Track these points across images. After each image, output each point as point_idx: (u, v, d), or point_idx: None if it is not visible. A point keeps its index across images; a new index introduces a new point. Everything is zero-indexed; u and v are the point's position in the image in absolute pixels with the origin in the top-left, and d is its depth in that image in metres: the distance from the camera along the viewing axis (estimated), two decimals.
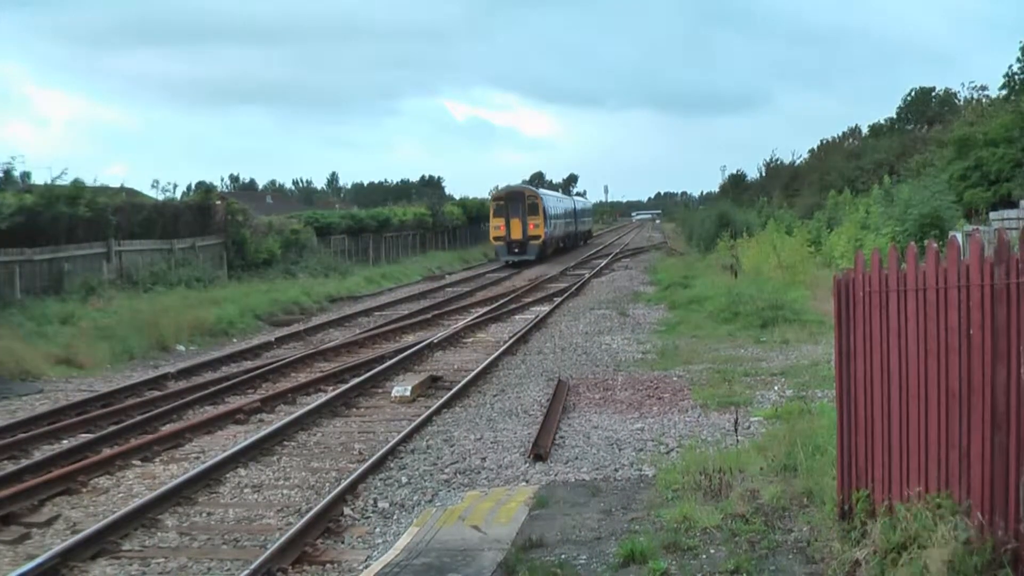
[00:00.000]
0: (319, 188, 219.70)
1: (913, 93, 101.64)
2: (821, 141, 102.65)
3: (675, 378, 19.50)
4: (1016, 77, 57.21)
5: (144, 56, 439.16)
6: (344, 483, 12.52)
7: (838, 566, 7.97)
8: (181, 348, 27.47)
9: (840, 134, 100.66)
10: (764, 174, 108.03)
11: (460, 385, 19.18)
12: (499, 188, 74.99)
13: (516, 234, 64.88)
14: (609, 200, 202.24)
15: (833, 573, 7.94)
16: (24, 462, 14.27)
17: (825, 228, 50.19)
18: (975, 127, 49.77)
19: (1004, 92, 50.87)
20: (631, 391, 18.40)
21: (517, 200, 66.01)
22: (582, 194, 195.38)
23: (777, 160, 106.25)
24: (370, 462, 13.60)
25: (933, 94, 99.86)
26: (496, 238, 66.62)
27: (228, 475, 13.59)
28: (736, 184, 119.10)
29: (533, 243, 65.11)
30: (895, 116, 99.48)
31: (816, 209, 61.47)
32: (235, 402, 18.64)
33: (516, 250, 64.79)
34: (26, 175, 43.45)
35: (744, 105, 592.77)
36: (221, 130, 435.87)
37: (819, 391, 16.75)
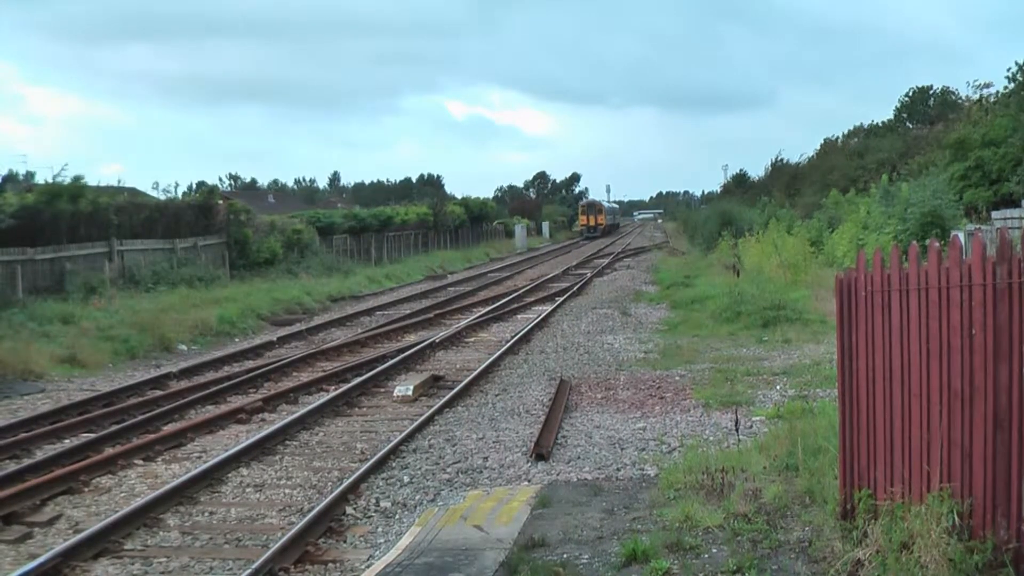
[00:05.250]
0: (321, 187, 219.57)
1: (911, 93, 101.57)
2: (824, 140, 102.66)
3: (677, 377, 19.51)
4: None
5: (139, 53, 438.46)
6: (346, 482, 12.51)
7: (840, 566, 7.96)
8: (183, 347, 27.48)
9: (844, 133, 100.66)
10: (769, 173, 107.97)
11: (462, 384, 19.18)
12: (584, 202, 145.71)
13: (592, 224, 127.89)
14: (611, 199, 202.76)
15: (835, 573, 7.94)
16: (26, 461, 14.27)
17: (826, 228, 50.17)
18: (977, 127, 49.72)
19: (1014, 83, 50.50)
20: (633, 390, 18.41)
21: (593, 206, 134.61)
22: (585, 192, 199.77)
23: (783, 160, 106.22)
24: (372, 461, 13.60)
25: (931, 92, 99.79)
26: (583, 225, 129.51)
27: (230, 474, 13.59)
28: (738, 183, 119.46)
29: (599, 227, 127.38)
30: (893, 117, 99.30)
31: (816, 208, 61.46)
32: (237, 401, 18.64)
33: (591, 232, 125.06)
34: (30, 175, 43.56)
35: (747, 103, 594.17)
36: (219, 128, 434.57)
37: (821, 390, 16.75)
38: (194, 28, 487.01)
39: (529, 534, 9.95)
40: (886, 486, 8.20)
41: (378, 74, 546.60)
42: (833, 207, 56.68)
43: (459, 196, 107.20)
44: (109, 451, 14.75)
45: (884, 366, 8.21)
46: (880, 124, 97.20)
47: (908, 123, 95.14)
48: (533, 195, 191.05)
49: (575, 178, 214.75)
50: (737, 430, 13.27)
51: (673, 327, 28.01)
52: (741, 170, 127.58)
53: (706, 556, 8.83)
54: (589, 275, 49.76)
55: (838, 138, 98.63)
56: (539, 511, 10.92)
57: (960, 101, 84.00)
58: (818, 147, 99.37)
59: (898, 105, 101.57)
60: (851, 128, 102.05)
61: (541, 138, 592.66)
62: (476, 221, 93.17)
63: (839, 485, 8.93)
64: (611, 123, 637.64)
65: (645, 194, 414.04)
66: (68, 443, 15.58)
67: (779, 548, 8.85)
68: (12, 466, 14.08)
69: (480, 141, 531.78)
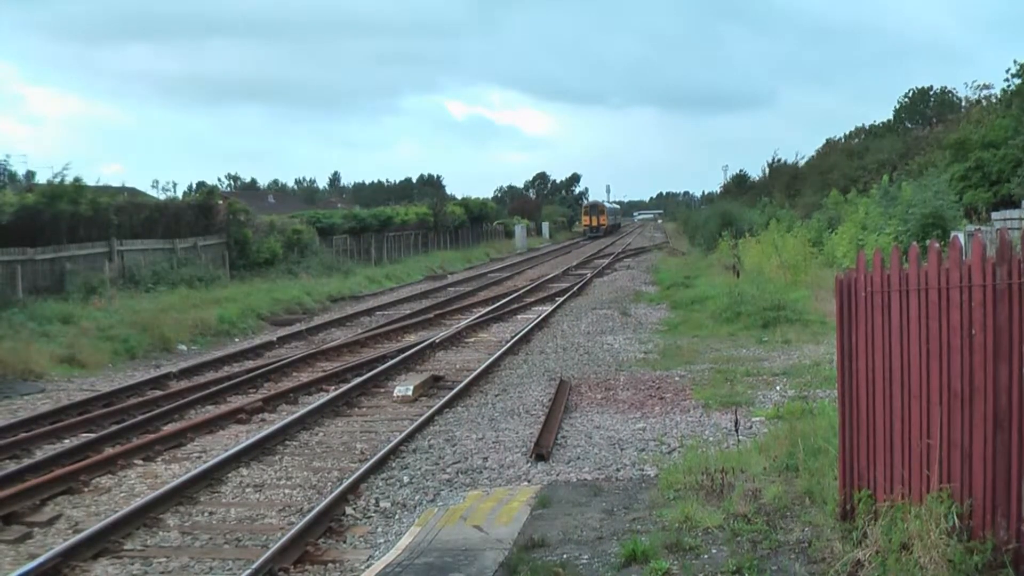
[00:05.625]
0: (321, 188, 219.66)
1: (911, 93, 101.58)
2: (827, 140, 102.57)
3: (677, 378, 19.50)
4: None
5: (138, 53, 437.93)
6: (346, 483, 12.50)
7: (840, 567, 7.96)
8: (183, 348, 27.48)
9: (846, 134, 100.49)
10: (768, 174, 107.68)
11: (462, 385, 19.18)
12: (587, 203, 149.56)
13: (594, 224, 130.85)
14: (612, 200, 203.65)
15: (835, 574, 7.94)
16: (26, 461, 14.27)
17: (826, 228, 50.16)
18: (979, 127, 49.74)
19: (1020, 79, 50.21)
20: (633, 391, 18.40)
21: (595, 208, 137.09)
22: (585, 193, 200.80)
23: (780, 160, 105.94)
24: (372, 462, 13.59)
25: (931, 93, 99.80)
26: (585, 226, 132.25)
27: (230, 474, 13.59)
28: (738, 184, 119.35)
29: (601, 227, 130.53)
30: (892, 118, 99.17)
31: (816, 209, 61.45)
32: (237, 401, 18.64)
33: (593, 232, 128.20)
34: (30, 174, 43.55)
35: (747, 103, 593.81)
36: (218, 128, 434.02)
37: (821, 391, 16.75)
38: (194, 28, 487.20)
39: (529, 534, 9.95)
40: (886, 487, 8.20)
41: (378, 74, 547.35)
42: (833, 207, 56.67)
43: (459, 196, 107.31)
44: (109, 451, 14.75)
45: (884, 366, 8.21)
46: (880, 124, 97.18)
47: (907, 124, 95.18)
48: (533, 195, 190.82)
49: (575, 178, 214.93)
50: (737, 431, 13.28)
51: (673, 327, 28.01)
52: (741, 170, 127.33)
53: (706, 557, 8.83)
54: (589, 275, 49.77)
55: (841, 139, 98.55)
56: (539, 511, 10.92)
57: (958, 101, 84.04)
58: (820, 147, 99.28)
59: (897, 106, 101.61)
60: (853, 128, 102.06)
61: (541, 138, 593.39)
62: (476, 221, 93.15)
63: (839, 486, 8.94)
64: (611, 123, 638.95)
65: (645, 194, 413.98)
66: (68, 443, 15.58)
67: (779, 549, 8.85)
68: (12, 466, 14.09)
69: (480, 141, 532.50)
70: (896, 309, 8.02)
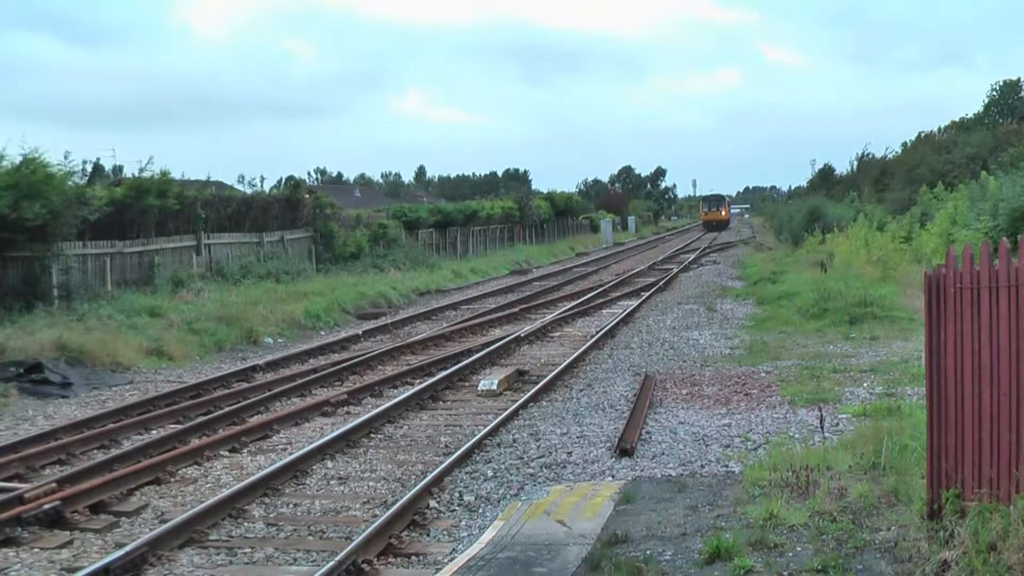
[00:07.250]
0: (406, 181, 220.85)
1: (1000, 86, 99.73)
2: (920, 133, 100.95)
3: (763, 374, 19.37)
4: None
5: None
6: (430, 476, 12.57)
7: (927, 567, 7.88)
8: (269, 341, 27.77)
9: (939, 128, 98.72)
10: (856, 168, 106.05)
11: (547, 379, 19.17)
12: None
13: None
14: (697, 195, 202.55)
15: (922, 574, 7.85)
16: (114, 451, 14.55)
17: (916, 223, 49.49)
18: None
19: None
20: (718, 387, 18.30)
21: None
22: (672, 188, 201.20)
23: (870, 154, 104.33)
24: (456, 455, 13.64)
25: (1021, 85, 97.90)
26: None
27: (315, 467, 13.73)
28: (823, 179, 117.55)
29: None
30: (982, 111, 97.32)
31: (909, 204, 60.59)
32: (322, 394, 18.82)
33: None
34: (118, 168, 44.21)
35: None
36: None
37: (909, 388, 16.56)
38: None
39: (612, 530, 9.95)
40: (974, 486, 8.10)
41: None
42: (927, 203, 55.88)
43: (544, 190, 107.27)
44: (195, 442, 14.95)
45: (973, 364, 8.11)
46: (971, 117, 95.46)
47: (998, 118, 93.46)
48: (619, 189, 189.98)
49: (660, 172, 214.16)
50: (823, 428, 13.17)
51: (759, 323, 27.83)
52: (826, 164, 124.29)
53: (790, 554, 8.77)
54: (675, 270, 49.55)
55: (934, 132, 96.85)
56: (622, 507, 10.91)
57: None
58: (912, 140, 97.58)
59: (986, 100, 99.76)
60: (945, 124, 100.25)
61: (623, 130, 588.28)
62: (561, 216, 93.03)
63: (926, 485, 8.83)
64: (692, 116, 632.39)
65: (732, 189, 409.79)
66: (155, 434, 15.83)
67: (864, 547, 8.77)
68: (100, 455, 14.39)
69: (562, 133, 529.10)
70: (985, 306, 7.92)
